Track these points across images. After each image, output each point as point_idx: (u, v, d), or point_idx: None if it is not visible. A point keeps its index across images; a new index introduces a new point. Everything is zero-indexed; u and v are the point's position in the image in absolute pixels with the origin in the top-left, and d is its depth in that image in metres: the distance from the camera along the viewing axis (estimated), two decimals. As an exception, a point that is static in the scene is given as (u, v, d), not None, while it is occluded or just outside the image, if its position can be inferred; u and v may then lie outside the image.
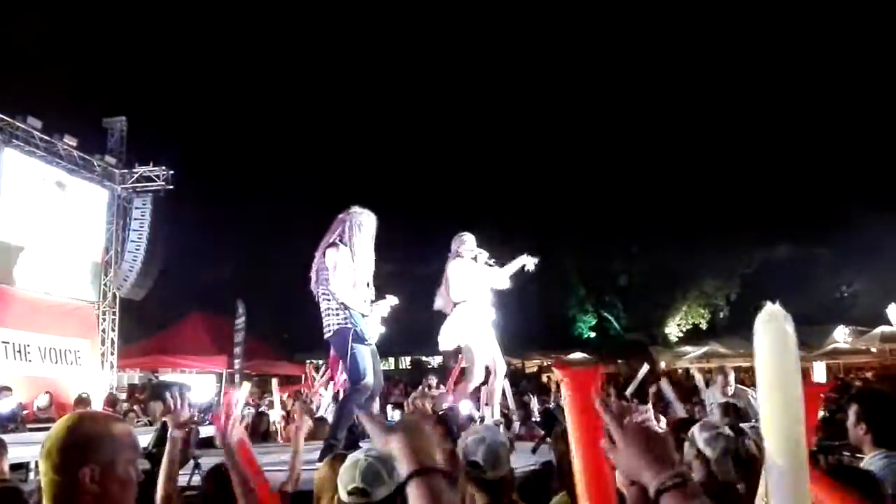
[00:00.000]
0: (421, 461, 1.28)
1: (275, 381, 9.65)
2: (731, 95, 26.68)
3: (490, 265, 6.78)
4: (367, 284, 5.50)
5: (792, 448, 1.21)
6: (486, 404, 6.71)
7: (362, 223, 5.49)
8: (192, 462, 3.81)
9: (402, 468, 1.29)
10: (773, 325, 1.27)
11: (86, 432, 1.56)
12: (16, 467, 4.83)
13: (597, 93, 28.14)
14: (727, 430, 3.31)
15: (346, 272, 5.31)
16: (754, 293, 24.50)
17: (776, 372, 1.21)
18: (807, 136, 25.36)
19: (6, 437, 4.56)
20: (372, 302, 5.49)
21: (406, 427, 1.35)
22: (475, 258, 6.77)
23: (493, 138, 28.52)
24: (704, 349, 23.46)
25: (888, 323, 18.44)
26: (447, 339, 6.68)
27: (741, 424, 4.62)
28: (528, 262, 6.79)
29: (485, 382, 6.74)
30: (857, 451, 3.31)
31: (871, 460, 3.13)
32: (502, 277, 6.82)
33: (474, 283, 6.71)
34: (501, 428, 6.05)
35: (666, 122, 27.00)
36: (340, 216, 5.52)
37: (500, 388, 6.72)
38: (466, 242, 6.83)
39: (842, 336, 20.69)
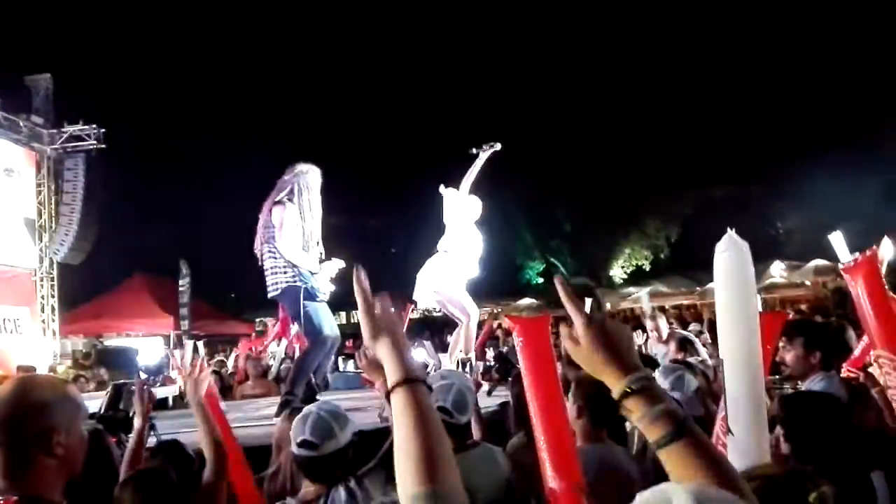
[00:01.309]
0: (407, 370, 1.21)
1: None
2: (669, 34, 26.88)
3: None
4: (317, 242, 5.44)
5: (751, 373, 1.25)
6: (446, 351, 6.78)
7: (309, 181, 5.41)
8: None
9: (389, 373, 1.22)
10: (731, 252, 1.30)
11: (42, 397, 1.52)
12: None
13: (539, 32, 28.03)
14: (688, 371, 3.43)
15: (294, 230, 5.24)
16: (694, 233, 25.16)
17: (734, 298, 1.25)
18: (741, 75, 25.81)
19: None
20: (321, 261, 5.44)
21: (392, 331, 1.27)
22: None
23: (438, 82, 28.19)
24: (648, 289, 24.08)
25: (822, 257, 19.20)
26: (423, 292, 6.77)
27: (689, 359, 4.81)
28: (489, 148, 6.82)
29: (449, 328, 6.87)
30: (796, 383, 3.48)
31: (811, 384, 3.30)
32: (465, 189, 6.82)
33: (458, 235, 6.79)
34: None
35: (604, 67, 27.10)
36: (286, 176, 5.42)
37: (472, 335, 6.77)
38: (446, 196, 6.89)
39: (777, 271, 21.50)
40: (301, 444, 2.36)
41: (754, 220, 24.39)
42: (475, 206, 6.90)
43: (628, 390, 1.14)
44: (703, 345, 5.97)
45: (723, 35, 26.02)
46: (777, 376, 3.55)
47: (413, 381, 1.19)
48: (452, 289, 6.71)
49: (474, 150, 6.84)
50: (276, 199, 5.30)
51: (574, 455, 1.95)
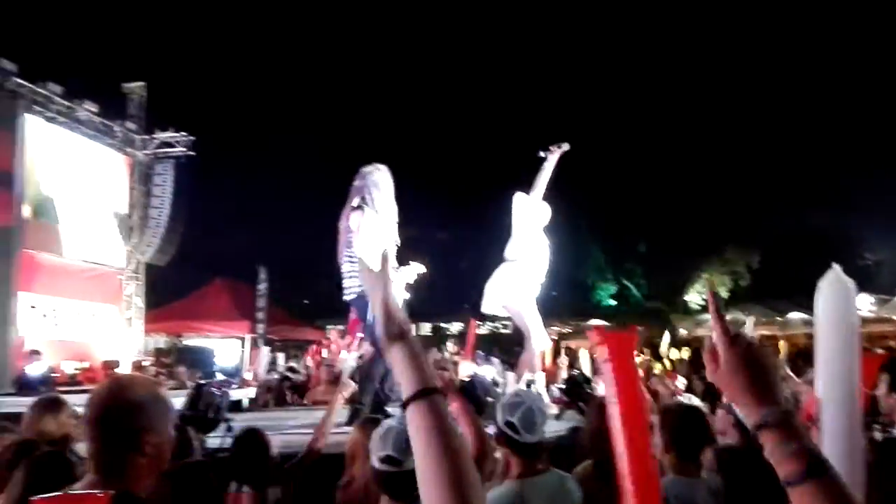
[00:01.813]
0: (426, 380, 1.13)
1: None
2: (758, 56, 26.16)
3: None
4: (395, 245, 5.48)
5: (849, 412, 1.19)
6: (513, 370, 6.61)
7: (377, 181, 5.47)
8: (223, 424, 3.86)
9: (404, 383, 1.13)
10: (835, 289, 1.24)
11: (136, 397, 1.57)
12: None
13: (615, 57, 27.71)
14: None
15: (370, 235, 5.31)
16: (777, 262, 24.28)
17: (835, 335, 1.19)
18: (832, 99, 24.87)
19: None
20: (397, 267, 5.48)
21: (410, 335, 1.18)
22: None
23: (512, 94, 28.25)
24: (726, 318, 23.30)
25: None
26: (491, 301, 6.57)
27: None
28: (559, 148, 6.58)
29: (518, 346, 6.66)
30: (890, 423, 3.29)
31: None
32: (537, 195, 6.61)
33: (527, 242, 6.56)
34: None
35: (690, 86, 26.58)
36: (356, 182, 5.51)
37: (534, 353, 6.54)
38: (515, 202, 6.68)
39: (866, 305, 20.48)
40: (384, 460, 2.35)
41: (841, 250, 23.36)
42: (544, 212, 6.66)
43: (763, 423, 1.09)
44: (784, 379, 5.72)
45: (814, 59, 25.16)
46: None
47: (433, 391, 1.12)
48: (521, 302, 6.50)
49: (542, 153, 6.59)
50: (354, 206, 5.39)
51: (657, 488, 1.86)
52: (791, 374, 6.79)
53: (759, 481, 2.65)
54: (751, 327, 7.65)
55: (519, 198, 6.69)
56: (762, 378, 1.12)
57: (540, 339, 6.53)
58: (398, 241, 5.52)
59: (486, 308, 6.67)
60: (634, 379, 1.78)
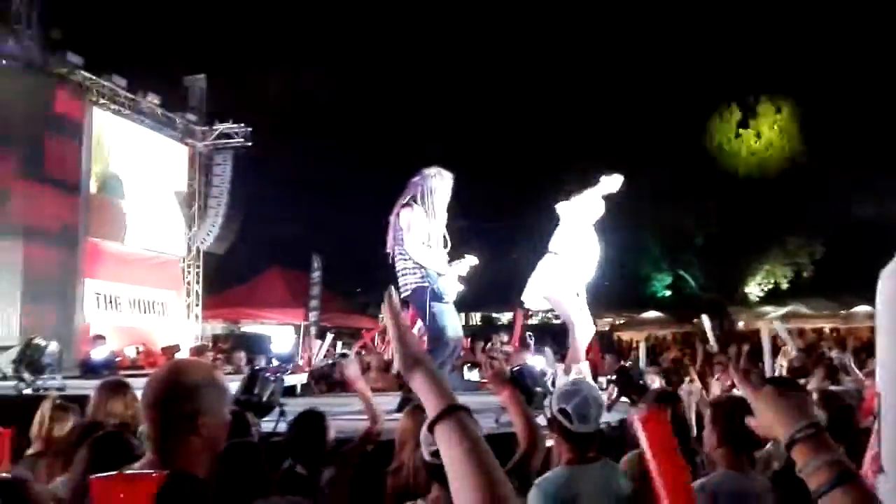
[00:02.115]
0: (448, 397, 1.15)
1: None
2: (808, 46, 25.26)
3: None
4: (444, 244, 5.52)
5: None
6: (562, 362, 6.50)
7: (434, 186, 5.51)
8: (277, 409, 3.95)
9: (429, 406, 1.15)
10: None
11: (193, 381, 1.62)
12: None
13: (664, 54, 27.10)
14: None
15: (421, 232, 5.35)
16: (839, 252, 23.47)
17: None
18: (888, 88, 23.82)
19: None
20: (450, 261, 5.52)
21: (426, 360, 1.21)
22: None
23: (564, 95, 27.90)
24: (786, 309, 22.72)
25: None
26: (532, 294, 6.43)
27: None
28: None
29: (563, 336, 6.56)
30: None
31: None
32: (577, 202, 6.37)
33: (572, 236, 6.33)
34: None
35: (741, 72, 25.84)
36: (414, 179, 5.56)
37: (579, 345, 6.38)
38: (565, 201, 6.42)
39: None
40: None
41: (909, 241, 22.43)
42: (597, 208, 6.39)
43: (793, 439, 1.15)
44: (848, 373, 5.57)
45: (864, 45, 24.13)
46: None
47: (457, 409, 1.13)
48: (562, 293, 6.32)
49: (603, 178, 6.31)
50: (404, 202, 5.44)
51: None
52: (854, 367, 6.60)
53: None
54: (781, 327, 7.45)
55: (562, 206, 6.43)
56: (790, 405, 1.21)
57: (584, 331, 6.42)
58: (448, 243, 5.54)
59: (527, 301, 6.54)
60: (671, 451, 1.65)
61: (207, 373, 1.69)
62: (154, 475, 1.21)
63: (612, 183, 6.27)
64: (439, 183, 5.53)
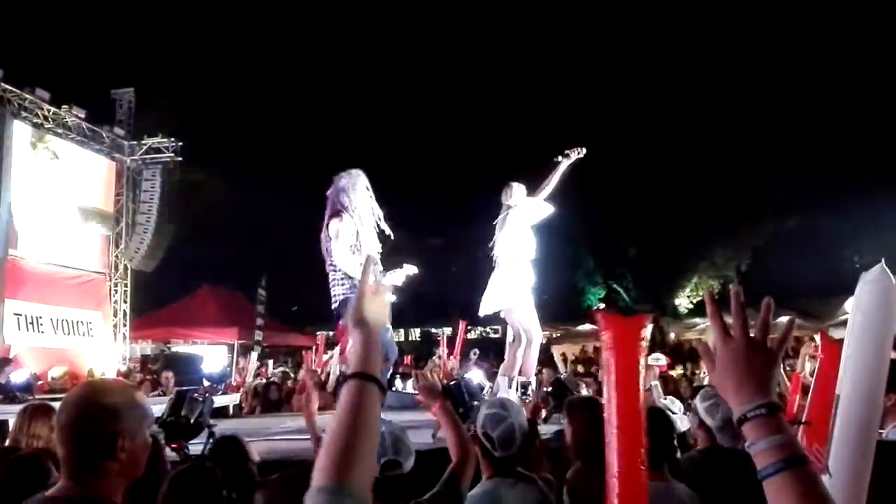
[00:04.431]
0: (367, 366, 1.21)
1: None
2: (743, 63, 26.33)
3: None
4: (384, 238, 5.45)
5: (868, 414, 1.17)
6: (503, 374, 6.48)
7: (346, 185, 5.43)
8: (206, 431, 3.82)
9: (351, 364, 1.23)
10: (879, 286, 1.21)
11: (111, 402, 1.54)
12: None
13: (607, 58, 27.82)
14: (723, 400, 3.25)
15: (349, 238, 5.27)
16: (766, 265, 24.37)
17: (869, 333, 1.17)
18: (816, 107, 25.00)
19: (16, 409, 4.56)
20: (384, 271, 5.43)
21: (375, 327, 1.27)
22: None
23: (503, 100, 28.29)
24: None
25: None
26: (489, 303, 6.44)
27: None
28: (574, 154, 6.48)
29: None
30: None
31: (891, 431, 3.10)
32: (541, 197, 6.50)
33: (519, 240, 6.43)
34: (516, 397, 5.99)
35: (676, 89, 26.68)
36: (328, 192, 5.49)
37: (533, 357, 6.49)
38: (515, 193, 6.55)
39: (850, 307, 20.58)
40: (385, 466, 2.30)
41: (830, 253, 23.49)
42: (544, 210, 6.52)
43: (744, 417, 1.10)
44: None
45: (798, 63, 25.34)
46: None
47: (366, 378, 1.20)
48: (521, 302, 6.39)
49: (559, 158, 6.53)
50: (331, 213, 5.37)
51: (644, 489, 1.77)
52: (783, 373, 6.83)
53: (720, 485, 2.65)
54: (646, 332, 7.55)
55: (519, 189, 6.55)
56: (755, 374, 1.13)
57: (536, 339, 6.49)
58: (387, 233, 5.49)
59: (487, 309, 6.51)
60: (636, 370, 1.63)
61: (127, 393, 1.61)
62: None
63: (578, 156, 6.50)
64: (349, 181, 5.45)
